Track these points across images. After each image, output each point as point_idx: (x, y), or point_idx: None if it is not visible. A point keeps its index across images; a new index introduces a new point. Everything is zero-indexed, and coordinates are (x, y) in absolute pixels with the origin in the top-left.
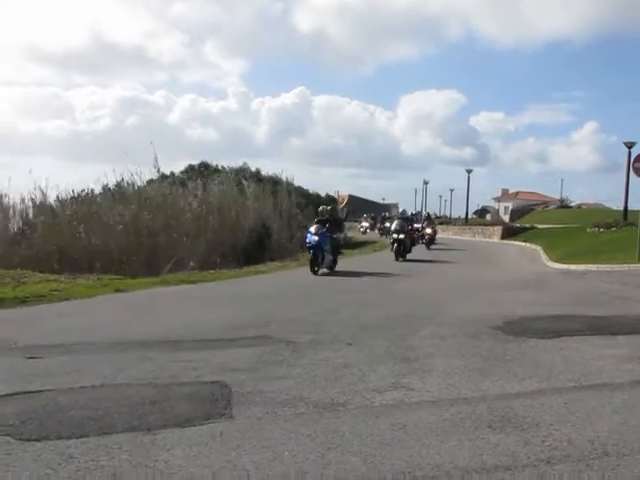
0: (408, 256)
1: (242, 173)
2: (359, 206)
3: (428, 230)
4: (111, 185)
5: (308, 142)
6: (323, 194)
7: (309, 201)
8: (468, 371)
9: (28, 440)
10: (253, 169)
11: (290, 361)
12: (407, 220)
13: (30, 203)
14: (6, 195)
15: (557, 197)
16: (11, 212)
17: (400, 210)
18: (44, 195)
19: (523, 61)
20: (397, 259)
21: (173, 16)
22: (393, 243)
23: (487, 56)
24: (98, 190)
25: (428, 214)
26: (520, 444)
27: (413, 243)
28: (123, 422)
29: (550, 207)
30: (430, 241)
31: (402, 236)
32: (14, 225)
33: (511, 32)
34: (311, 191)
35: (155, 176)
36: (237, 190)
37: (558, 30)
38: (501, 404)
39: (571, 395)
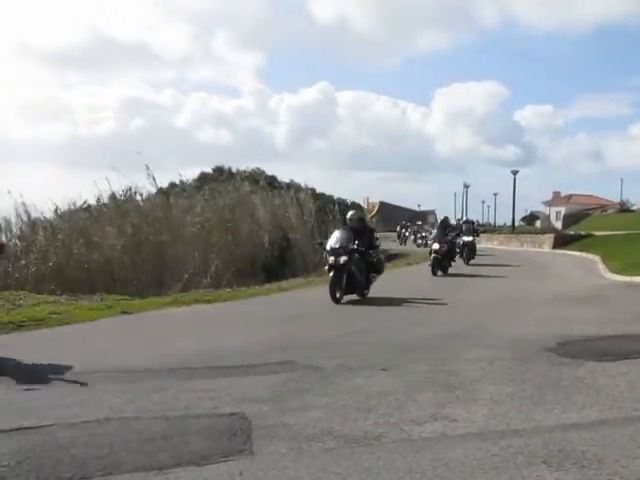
0: (368, 290)
1: (258, 178)
2: (392, 214)
3: (466, 238)
4: (115, 196)
5: (332, 144)
6: (349, 201)
7: (336, 209)
8: (519, 399)
9: None
10: (270, 174)
11: (317, 389)
12: (356, 232)
13: (25, 218)
14: None
15: (617, 200)
16: (2, 228)
17: (348, 215)
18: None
19: (571, 47)
20: (336, 299)
21: (178, 5)
22: (329, 270)
23: (529, 43)
24: (101, 201)
25: (466, 220)
26: None
27: (375, 268)
28: (131, 460)
29: (609, 211)
30: (469, 254)
31: (344, 259)
32: (6, 242)
33: (553, 14)
34: (336, 197)
35: (163, 185)
36: (254, 198)
37: (609, 9)
38: (558, 437)
39: (638, 426)
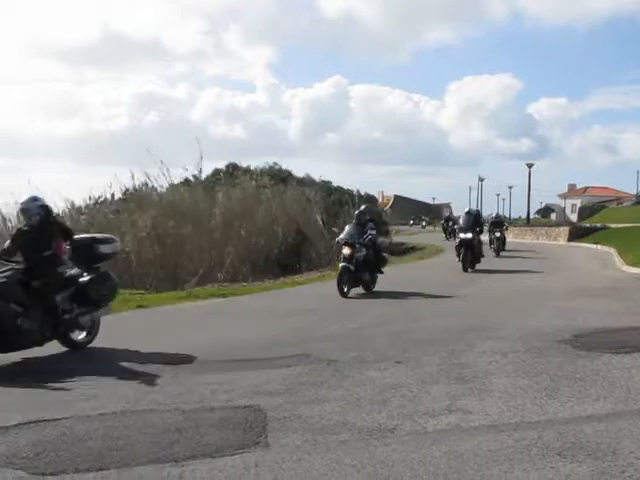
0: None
1: (273, 174)
2: (407, 208)
3: (463, 235)
4: (131, 190)
5: (346, 137)
6: (363, 194)
7: (351, 202)
8: (533, 391)
9: (43, 474)
10: (285, 168)
11: (331, 382)
12: (35, 235)
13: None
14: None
15: (633, 192)
16: (16, 222)
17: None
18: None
19: (582, 39)
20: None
21: (190, 1)
22: None
23: (539, 36)
24: (117, 196)
25: (468, 212)
26: (595, 474)
27: (91, 299)
28: (147, 453)
29: (625, 204)
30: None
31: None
32: None
33: (562, 7)
34: (351, 190)
35: (177, 180)
36: (269, 193)
37: (617, 2)
38: (572, 429)
39: None
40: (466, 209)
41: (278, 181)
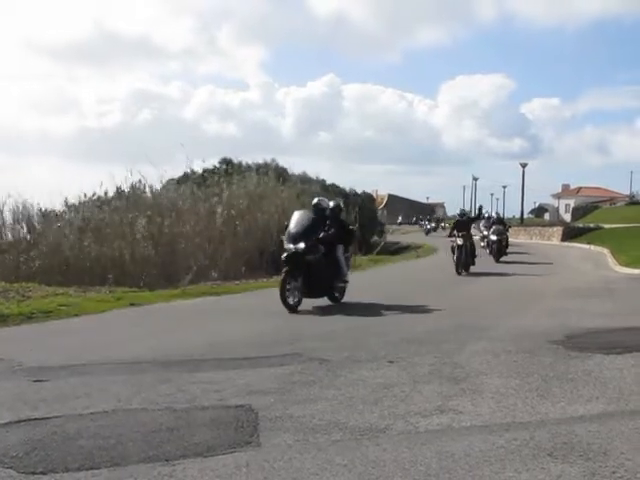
0: None
1: (268, 170)
2: (401, 207)
3: (293, 245)
4: (125, 188)
5: (339, 136)
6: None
7: (347, 200)
8: (525, 392)
9: (33, 473)
10: (280, 165)
11: (324, 382)
12: None
13: (34, 210)
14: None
15: (626, 192)
16: (11, 220)
17: None
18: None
19: (572, 40)
20: None
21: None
22: None
23: (529, 37)
24: (110, 193)
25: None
26: (587, 475)
27: None
28: (138, 452)
29: (618, 204)
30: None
31: None
32: (15, 234)
33: (551, 9)
34: (348, 189)
35: (174, 177)
36: (263, 190)
37: (606, 5)
38: (563, 429)
39: None
40: (315, 200)
41: (273, 178)
